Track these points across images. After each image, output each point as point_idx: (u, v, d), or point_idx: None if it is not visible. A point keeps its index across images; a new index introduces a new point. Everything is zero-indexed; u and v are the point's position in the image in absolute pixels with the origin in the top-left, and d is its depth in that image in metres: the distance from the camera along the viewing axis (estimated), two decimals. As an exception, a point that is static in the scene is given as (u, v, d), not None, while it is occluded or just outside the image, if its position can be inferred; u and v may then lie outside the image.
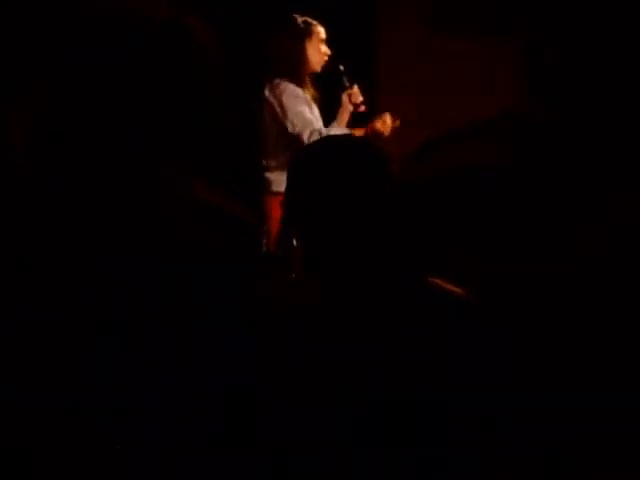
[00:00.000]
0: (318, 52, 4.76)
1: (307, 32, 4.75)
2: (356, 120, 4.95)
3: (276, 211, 4.36)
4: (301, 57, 4.72)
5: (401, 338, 1.79)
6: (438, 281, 1.85)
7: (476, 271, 2.08)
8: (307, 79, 4.78)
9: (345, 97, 4.90)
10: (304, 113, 4.61)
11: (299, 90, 4.71)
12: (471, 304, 1.86)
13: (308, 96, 4.75)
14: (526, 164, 2.22)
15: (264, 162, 4.77)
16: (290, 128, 4.64)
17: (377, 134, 4.78)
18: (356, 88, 4.93)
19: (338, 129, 4.75)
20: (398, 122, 4.85)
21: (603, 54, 5.57)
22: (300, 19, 4.77)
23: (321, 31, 4.76)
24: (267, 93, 4.75)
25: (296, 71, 4.72)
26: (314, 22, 4.78)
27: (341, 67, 4.89)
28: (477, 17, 5.70)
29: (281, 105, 4.67)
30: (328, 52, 4.80)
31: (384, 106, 5.65)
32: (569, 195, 2.22)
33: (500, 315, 2.02)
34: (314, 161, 1.98)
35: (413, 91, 5.64)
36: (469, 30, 5.68)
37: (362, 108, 4.92)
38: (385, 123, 4.85)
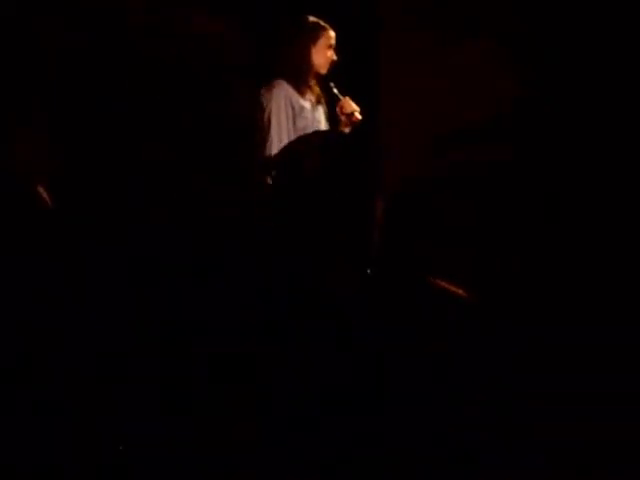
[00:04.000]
0: (323, 57, 4.71)
1: (314, 36, 4.74)
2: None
3: None
4: (305, 60, 4.72)
5: (406, 337, 1.80)
6: (440, 281, 1.86)
7: (480, 270, 2.09)
8: (311, 80, 4.78)
9: (338, 110, 4.88)
10: (281, 137, 4.64)
11: (293, 95, 4.72)
12: (472, 304, 1.87)
13: (305, 103, 4.75)
14: (530, 162, 2.24)
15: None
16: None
17: (349, 116, 4.81)
18: (347, 99, 4.89)
19: None
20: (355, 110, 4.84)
21: (602, 54, 5.57)
22: (310, 21, 4.76)
23: (330, 36, 4.72)
24: (262, 91, 4.77)
25: (298, 74, 4.73)
26: (324, 26, 4.74)
27: (331, 84, 4.87)
28: (477, 19, 5.71)
29: (267, 108, 4.68)
30: (334, 58, 4.78)
31: (385, 108, 5.66)
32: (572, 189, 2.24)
33: (500, 315, 2.03)
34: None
35: (414, 93, 5.65)
36: (470, 32, 5.69)
37: (356, 117, 4.88)
38: (348, 103, 4.84)
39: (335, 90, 4.87)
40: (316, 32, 4.73)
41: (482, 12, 5.69)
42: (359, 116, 4.84)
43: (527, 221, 5.03)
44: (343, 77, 4.83)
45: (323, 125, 4.81)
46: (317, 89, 4.80)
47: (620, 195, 5.14)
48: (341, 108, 4.85)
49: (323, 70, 4.74)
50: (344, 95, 4.86)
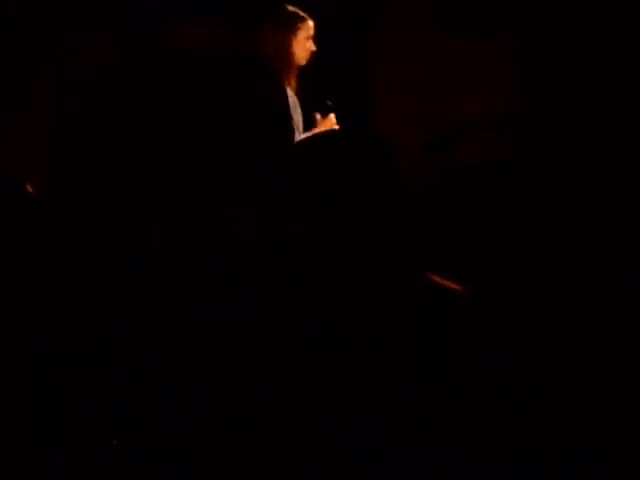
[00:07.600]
0: (303, 48, 4.62)
1: (294, 27, 4.61)
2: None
3: None
4: (287, 52, 4.65)
5: (401, 333, 1.80)
6: (437, 278, 1.85)
7: (482, 269, 2.09)
8: (292, 74, 4.71)
9: (318, 120, 4.75)
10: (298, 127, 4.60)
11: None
12: (469, 301, 1.86)
13: (293, 97, 4.69)
14: (526, 162, 2.24)
15: None
16: None
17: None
18: (332, 116, 4.77)
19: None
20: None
21: (601, 52, 5.57)
22: (289, 12, 4.67)
23: (309, 27, 4.63)
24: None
25: (284, 66, 4.65)
26: (303, 16, 4.64)
27: (328, 102, 4.79)
28: (476, 17, 5.72)
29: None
30: (313, 48, 4.65)
31: (382, 107, 5.67)
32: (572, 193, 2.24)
33: (499, 312, 2.02)
34: (322, 155, 1.99)
35: (411, 91, 5.66)
36: (468, 30, 5.71)
37: None
38: (331, 121, 4.75)
39: (329, 104, 4.75)
40: (296, 23, 4.63)
41: (482, 12, 5.71)
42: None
43: (527, 220, 5.04)
44: (342, 77, 4.81)
45: (300, 121, 4.70)
46: (294, 83, 4.70)
47: (622, 195, 5.15)
48: (319, 122, 4.68)
49: (303, 62, 4.64)
50: (333, 111, 4.75)
